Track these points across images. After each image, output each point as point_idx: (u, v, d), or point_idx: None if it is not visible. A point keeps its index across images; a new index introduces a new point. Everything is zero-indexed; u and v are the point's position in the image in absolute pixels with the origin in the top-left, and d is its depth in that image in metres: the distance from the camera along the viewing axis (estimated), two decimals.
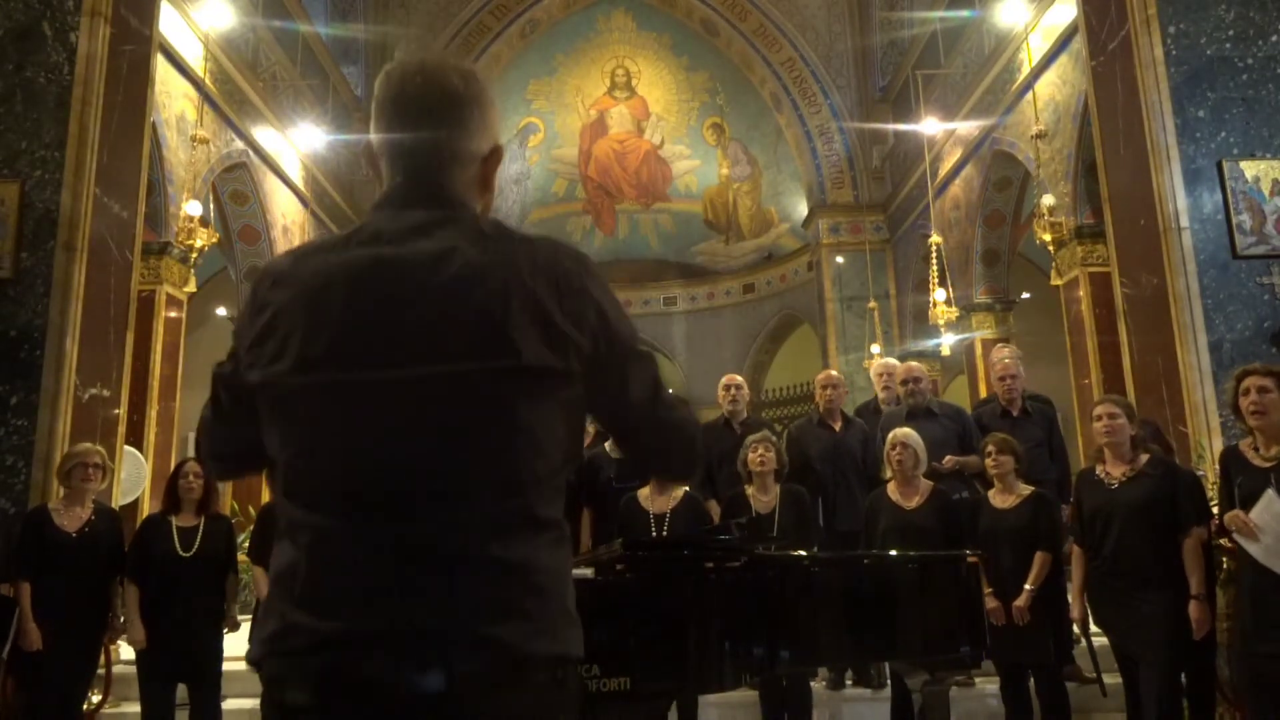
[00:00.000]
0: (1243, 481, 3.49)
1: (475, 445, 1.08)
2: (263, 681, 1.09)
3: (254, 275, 1.19)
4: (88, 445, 4.32)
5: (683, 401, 1.32)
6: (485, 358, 1.08)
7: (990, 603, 3.80)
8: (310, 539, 1.08)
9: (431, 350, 1.08)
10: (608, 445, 5.15)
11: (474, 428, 1.08)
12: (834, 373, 5.67)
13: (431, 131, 1.21)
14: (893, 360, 6.30)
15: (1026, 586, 3.96)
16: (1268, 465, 3.45)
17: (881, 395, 5.76)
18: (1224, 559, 3.93)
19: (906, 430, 4.40)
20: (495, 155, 1.27)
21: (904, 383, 5.33)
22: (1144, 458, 3.79)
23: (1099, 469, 3.87)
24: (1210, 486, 4.11)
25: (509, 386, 1.08)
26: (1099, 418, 3.84)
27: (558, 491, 1.15)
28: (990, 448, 4.24)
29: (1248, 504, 3.42)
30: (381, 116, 1.23)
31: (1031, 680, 4.11)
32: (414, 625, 1.02)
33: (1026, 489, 4.18)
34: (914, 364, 5.65)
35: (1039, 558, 3.99)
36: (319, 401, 1.10)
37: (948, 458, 4.86)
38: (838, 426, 5.35)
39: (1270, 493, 3.36)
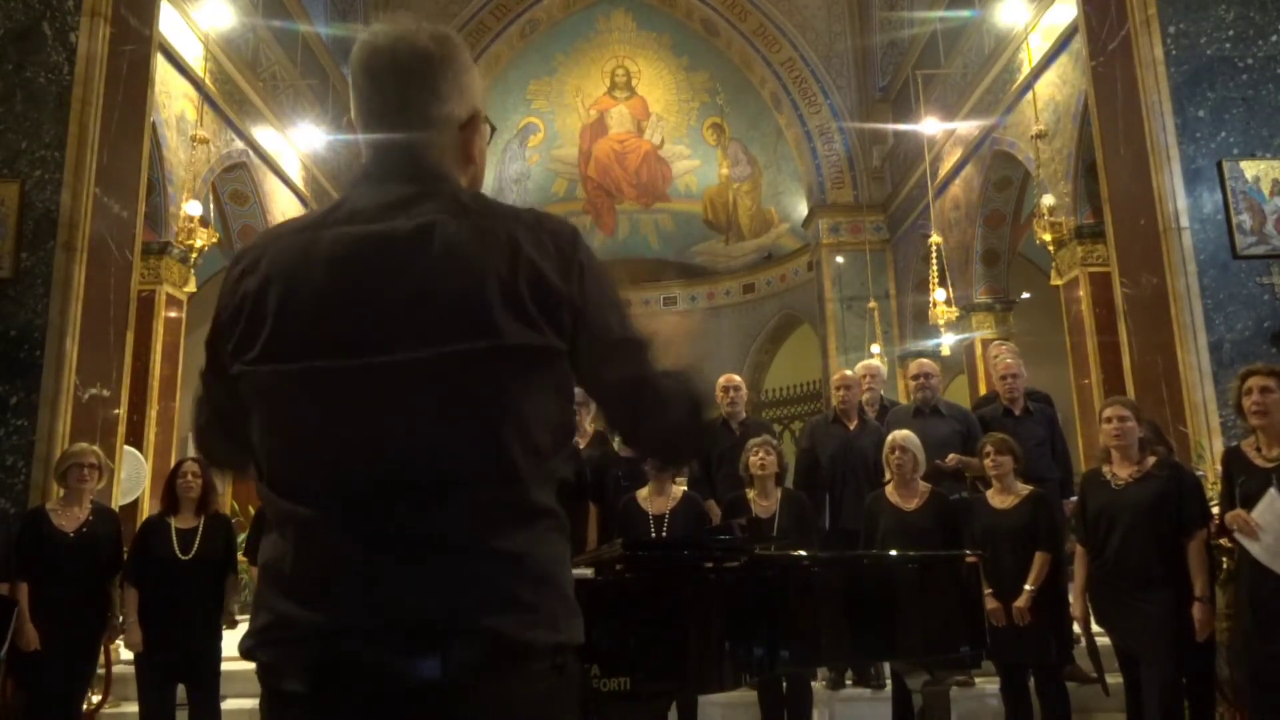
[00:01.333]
0: (1244, 481, 3.49)
1: (463, 432, 1.03)
2: (257, 670, 1.07)
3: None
4: (83, 445, 4.31)
5: (680, 376, 1.19)
6: (468, 339, 1.02)
7: (990, 603, 3.80)
8: (297, 530, 1.04)
9: (412, 333, 1.03)
10: (615, 444, 5.15)
11: (460, 414, 1.03)
12: (849, 373, 5.68)
13: (401, 96, 1.14)
14: (874, 362, 6.30)
15: (1026, 587, 3.95)
16: (1269, 465, 3.45)
17: (865, 397, 5.76)
18: (1224, 559, 3.93)
19: (905, 433, 4.40)
20: (475, 122, 1.19)
21: (915, 377, 5.35)
22: (1151, 460, 3.79)
23: (1105, 469, 3.86)
24: (1210, 486, 4.11)
25: (494, 369, 1.03)
26: (1109, 420, 3.82)
27: (551, 477, 1.10)
28: (988, 448, 4.22)
29: (1249, 504, 3.43)
30: (355, 86, 1.17)
31: (1032, 680, 4.10)
32: (408, 619, 0.99)
33: (1025, 489, 4.17)
34: (925, 360, 5.66)
35: (1038, 558, 3.98)
36: (297, 390, 1.05)
37: (951, 456, 4.86)
38: (852, 425, 5.35)
39: (1272, 492, 3.37)
